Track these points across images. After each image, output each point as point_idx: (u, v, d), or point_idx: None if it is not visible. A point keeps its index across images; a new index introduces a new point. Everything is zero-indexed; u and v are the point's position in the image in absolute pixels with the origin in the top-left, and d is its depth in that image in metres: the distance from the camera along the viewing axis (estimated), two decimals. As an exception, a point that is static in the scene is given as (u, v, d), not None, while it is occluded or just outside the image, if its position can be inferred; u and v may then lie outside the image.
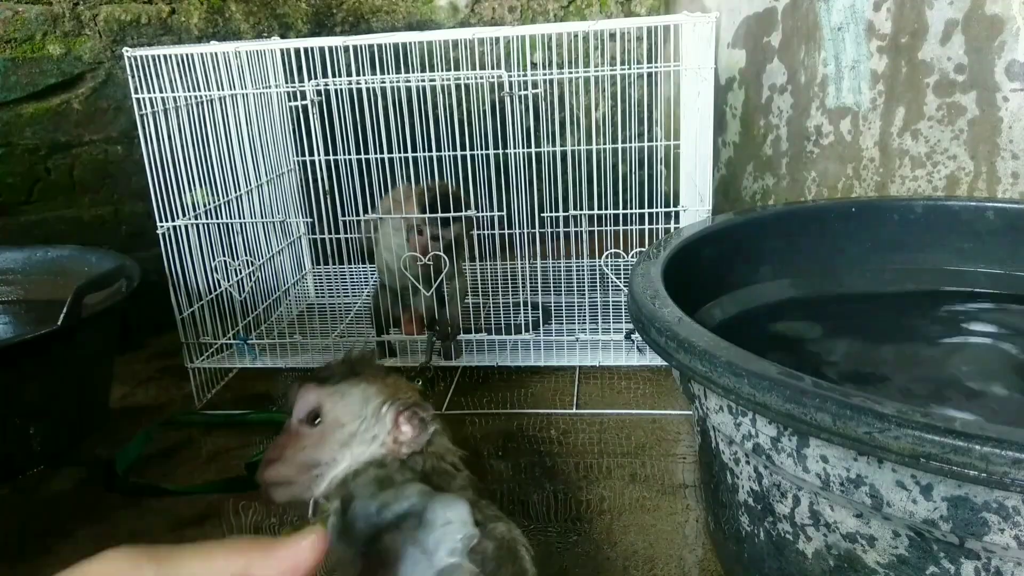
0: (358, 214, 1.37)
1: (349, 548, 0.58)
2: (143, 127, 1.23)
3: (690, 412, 1.18)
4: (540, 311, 1.42)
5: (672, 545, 0.92)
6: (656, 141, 1.33)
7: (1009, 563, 0.56)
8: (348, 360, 0.69)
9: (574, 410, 1.23)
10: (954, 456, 0.51)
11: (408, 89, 1.39)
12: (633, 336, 1.29)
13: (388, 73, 1.35)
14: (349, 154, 1.48)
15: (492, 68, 1.23)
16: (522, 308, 1.43)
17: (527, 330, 1.37)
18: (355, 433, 0.64)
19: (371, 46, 1.25)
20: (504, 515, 0.62)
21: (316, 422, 0.65)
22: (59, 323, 1.08)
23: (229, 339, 1.37)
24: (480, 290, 1.48)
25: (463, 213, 1.24)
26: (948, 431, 0.51)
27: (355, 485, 0.61)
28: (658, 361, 1.16)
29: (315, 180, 1.54)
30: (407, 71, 1.33)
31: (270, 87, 1.42)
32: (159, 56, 1.23)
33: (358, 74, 1.36)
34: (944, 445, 0.51)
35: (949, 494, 0.56)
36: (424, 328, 1.37)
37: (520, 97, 1.24)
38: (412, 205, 1.25)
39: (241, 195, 1.41)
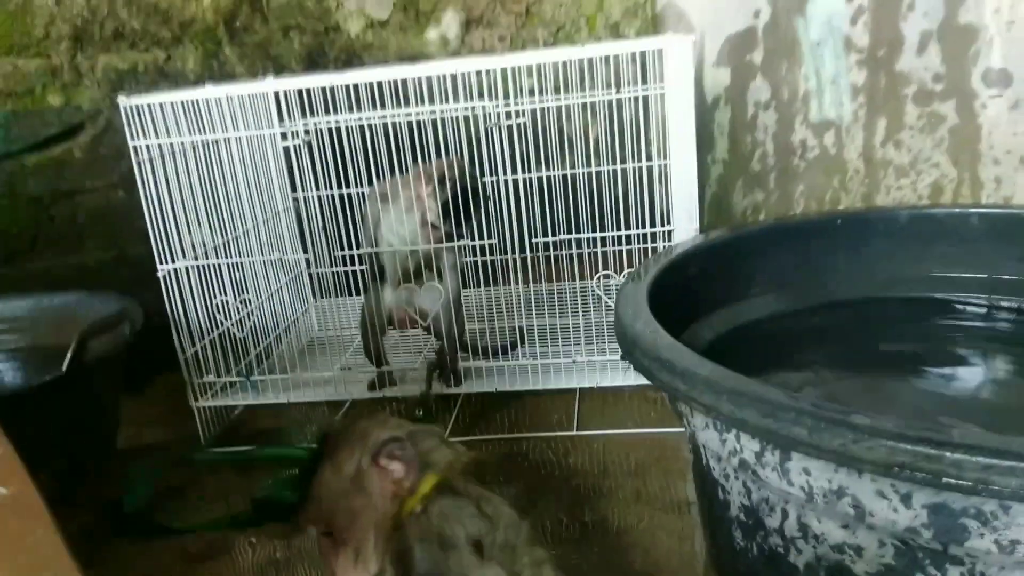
0: (351, 247, 1.39)
1: None
2: (140, 173, 1.26)
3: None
4: (516, 333, 1.43)
5: (675, 563, 0.93)
6: (642, 162, 1.35)
7: (993, 567, 0.57)
8: (313, 451, 0.71)
9: (574, 431, 1.24)
10: (927, 464, 0.52)
11: (398, 124, 1.41)
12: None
13: (386, 108, 1.37)
14: (343, 188, 1.51)
15: (485, 98, 1.25)
16: (515, 333, 1.44)
17: (503, 353, 1.39)
18: (358, 509, 0.66)
19: (369, 84, 1.27)
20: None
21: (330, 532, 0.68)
22: (63, 369, 1.10)
23: (233, 377, 1.39)
24: (476, 316, 1.49)
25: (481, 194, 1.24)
26: (919, 439, 0.53)
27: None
28: (655, 380, 1.17)
29: (309, 216, 1.57)
30: (406, 104, 1.35)
31: (263, 129, 1.44)
32: (155, 104, 1.26)
33: (359, 110, 1.39)
34: (916, 454, 0.53)
35: (928, 501, 0.57)
36: (418, 324, 1.38)
37: (504, 127, 1.26)
38: (424, 192, 1.25)
39: (239, 235, 1.43)
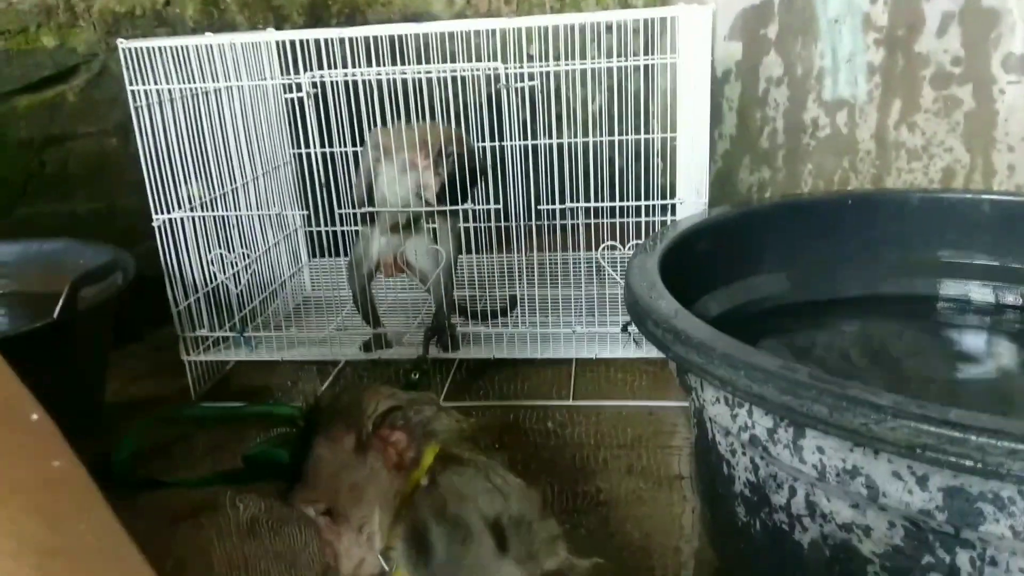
0: (354, 207, 1.37)
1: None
2: (138, 120, 1.23)
3: (687, 404, 1.18)
4: (508, 300, 1.42)
5: (669, 536, 0.93)
6: (653, 134, 1.33)
7: (1004, 552, 0.57)
8: (302, 425, 0.69)
9: (571, 402, 1.24)
10: (950, 447, 0.51)
11: (404, 81, 1.38)
12: (630, 328, 1.30)
13: (384, 65, 1.34)
14: (345, 147, 1.48)
15: (488, 60, 1.23)
16: (511, 297, 1.43)
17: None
18: (361, 484, 0.64)
19: (366, 38, 1.24)
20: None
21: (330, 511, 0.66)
22: (55, 316, 1.07)
23: (226, 332, 1.37)
24: (477, 283, 1.48)
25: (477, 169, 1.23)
26: (944, 422, 0.52)
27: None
28: (655, 353, 1.16)
29: (310, 173, 1.54)
30: (403, 63, 1.33)
31: (265, 80, 1.41)
32: (154, 48, 1.22)
33: (354, 66, 1.36)
34: (940, 436, 0.52)
35: (945, 484, 0.56)
36: (404, 270, 1.36)
37: (516, 90, 1.24)
38: (420, 164, 1.23)
39: (237, 188, 1.41)
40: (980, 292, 1.03)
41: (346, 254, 1.53)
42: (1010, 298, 1.01)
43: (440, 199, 1.24)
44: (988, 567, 0.57)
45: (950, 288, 1.03)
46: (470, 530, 0.60)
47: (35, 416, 0.35)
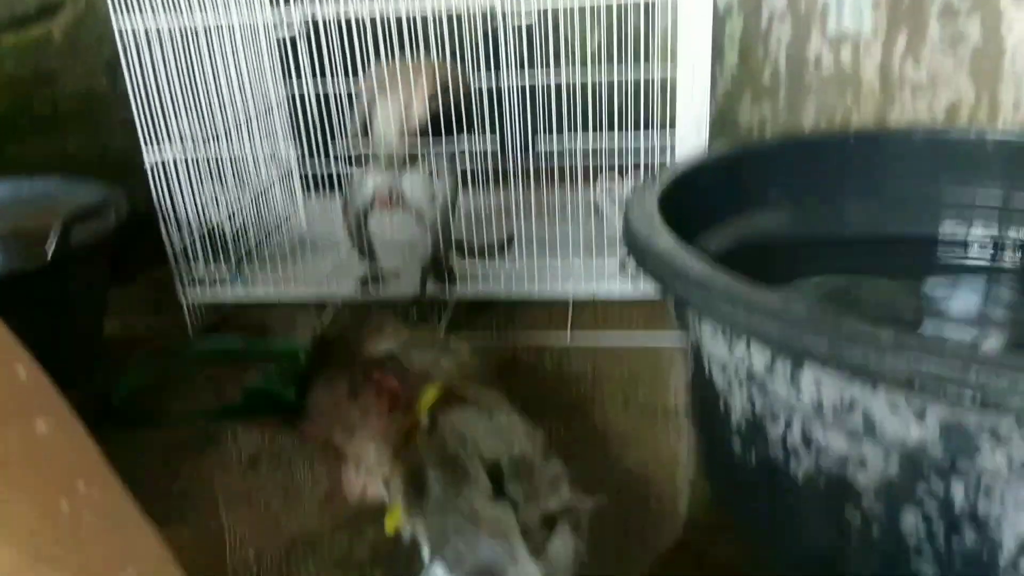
0: (349, 145, 1.35)
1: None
2: (126, 58, 1.20)
3: (683, 340, 1.18)
4: (504, 237, 1.41)
5: (665, 470, 0.94)
6: (652, 71, 1.31)
7: (999, 482, 0.57)
8: (305, 371, 0.69)
9: (568, 340, 1.24)
10: (951, 381, 0.51)
11: (399, 19, 1.35)
12: (628, 266, 1.29)
13: (378, 1, 1.30)
14: (339, 85, 1.45)
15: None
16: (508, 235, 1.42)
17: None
18: (354, 424, 0.64)
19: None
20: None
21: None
22: (48, 256, 1.06)
23: (222, 272, 1.37)
24: (473, 220, 1.46)
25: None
26: (944, 356, 0.52)
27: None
28: (652, 291, 1.16)
29: (304, 112, 1.51)
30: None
31: (256, 15, 1.37)
32: (140, -18, 1.19)
33: (347, 3, 1.32)
34: (940, 370, 0.52)
35: (943, 418, 0.56)
36: (399, 206, 1.36)
37: (513, 28, 1.21)
38: (413, 89, 1.21)
39: (229, 128, 1.38)
40: (982, 231, 1.02)
41: (343, 194, 1.51)
42: (1012, 237, 1.01)
43: (434, 132, 1.22)
44: (982, 497, 0.58)
45: (952, 227, 1.03)
46: (467, 472, 0.60)
47: (22, 371, 0.33)
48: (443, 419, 0.63)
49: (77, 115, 1.59)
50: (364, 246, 1.36)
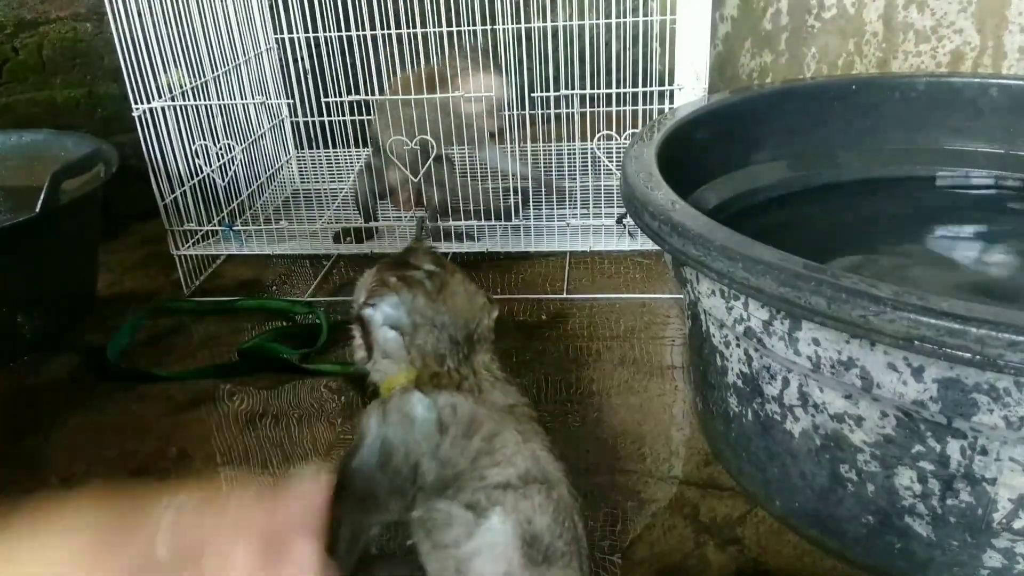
0: (342, 95, 1.32)
1: None
2: (111, 2, 1.16)
3: (680, 296, 1.18)
4: (519, 195, 1.39)
5: (660, 424, 0.94)
6: (651, 16, 1.27)
7: (995, 442, 0.57)
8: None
9: (564, 295, 1.23)
10: (949, 339, 0.51)
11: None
12: (625, 221, 1.28)
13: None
14: (330, 31, 1.41)
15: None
16: (511, 193, 1.40)
17: (510, 217, 1.35)
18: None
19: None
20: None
21: None
22: (38, 210, 1.05)
23: (214, 226, 1.35)
24: (469, 174, 1.44)
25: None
26: (944, 313, 0.51)
27: None
28: (649, 245, 1.15)
29: (295, 60, 1.47)
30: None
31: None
32: (122, -77, 1.15)
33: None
34: (939, 328, 0.51)
35: (940, 376, 0.56)
36: (419, 203, 1.35)
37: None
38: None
39: (219, 75, 1.35)
40: (982, 179, 1.01)
41: (335, 145, 1.49)
42: (1012, 187, 1.00)
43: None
44: (978, 456, 0.58)
45: (953, 175, 1.01)
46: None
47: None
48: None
49: (64, 62, 1.54)
50: (368, 211, 1.36)
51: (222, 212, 1.36)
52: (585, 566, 0.58)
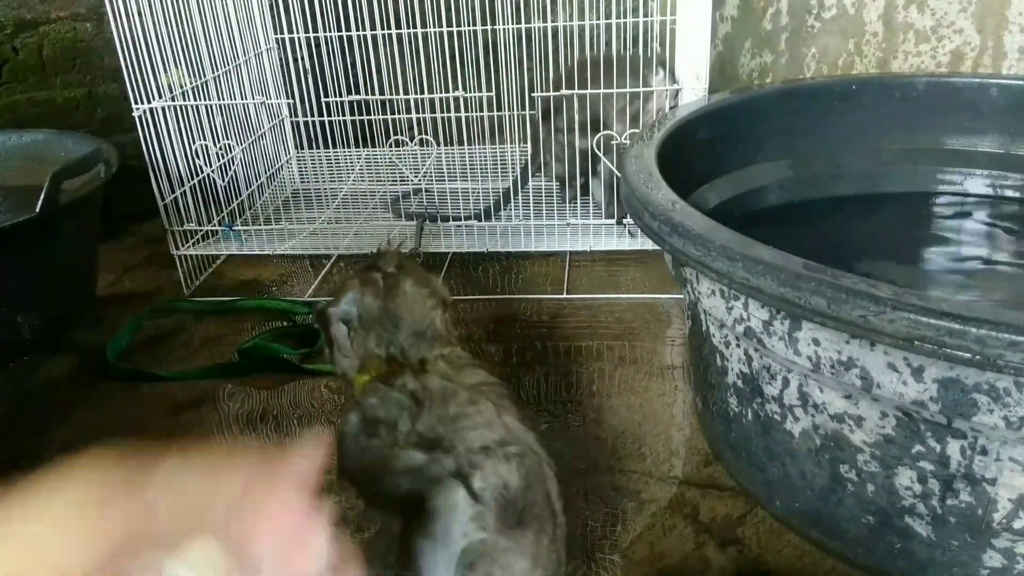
0: (342, 95, 1.32)
1: None
2: (111, 2, 1.16)
3: (680, 296, 1.18)
4: (491, 197, 1.38)
5: (660, 425, 0.94)
6: (652, 16, 1.27)
7: (995, 442, 0.57)
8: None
9: (564, 295, 1.23)
10: (949, 339, 0.51)
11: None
12: (625, 220, 1.28)
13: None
14: (330, 31, 1.41)
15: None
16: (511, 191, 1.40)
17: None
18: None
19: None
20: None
21: None
22: (38, 210, 1.05)
23: (214, 226, 1.35)
24: (468, 174, 1.44)
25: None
26: (944, 314, 0.51)
27: None
28: (649, 245, 1.15)
29: (295, 59, 1.47)
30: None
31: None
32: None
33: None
34: (939, 328, 0.51)
35: (940, 376, 0.56)
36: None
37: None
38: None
39: (219, 75, 1.35)
40: (982, 181, 1.01)
41: (335, 145, 1.49)
42: (1011, 188, 0.99)
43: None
44: (978, 456, 0.58)
45: (953, 176, 1.01)
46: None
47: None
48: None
49: (64, 62, 1.55)
50: None
51: (222, 212, 1.36)
52: (559, 533, 0.59)
